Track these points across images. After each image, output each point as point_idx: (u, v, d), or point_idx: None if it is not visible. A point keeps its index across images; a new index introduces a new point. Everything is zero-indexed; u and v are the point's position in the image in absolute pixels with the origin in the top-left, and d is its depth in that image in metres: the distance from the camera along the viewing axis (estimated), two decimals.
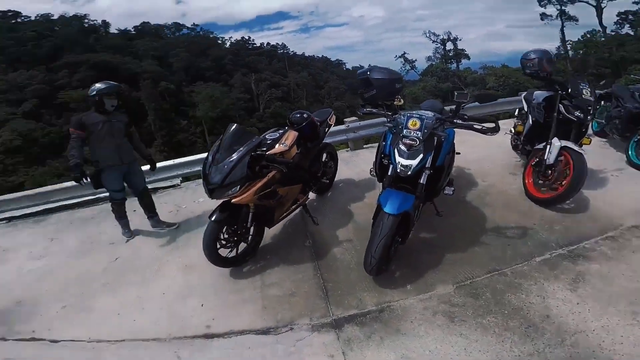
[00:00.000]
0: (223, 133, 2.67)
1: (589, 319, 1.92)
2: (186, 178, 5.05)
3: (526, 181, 3.32)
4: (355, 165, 4.72)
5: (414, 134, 2.32)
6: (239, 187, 2.47)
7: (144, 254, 3.32)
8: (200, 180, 4.97)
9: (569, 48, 31.76)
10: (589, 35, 30.13)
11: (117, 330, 2.42)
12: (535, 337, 1.86)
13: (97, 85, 3.29)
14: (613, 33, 30.13)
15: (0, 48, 45.33)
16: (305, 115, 3.29)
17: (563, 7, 32.30)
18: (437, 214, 2.92)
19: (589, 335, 1.82)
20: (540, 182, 3.18)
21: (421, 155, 2.33)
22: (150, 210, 3.64)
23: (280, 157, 2.70)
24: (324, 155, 3.74)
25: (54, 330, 2.55)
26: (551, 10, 33.18)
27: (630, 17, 29.27)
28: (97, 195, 4.61)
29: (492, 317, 2.03)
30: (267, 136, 2.97)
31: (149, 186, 3.96)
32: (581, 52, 29.74)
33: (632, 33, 29.27)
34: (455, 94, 2.52)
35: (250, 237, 2.84)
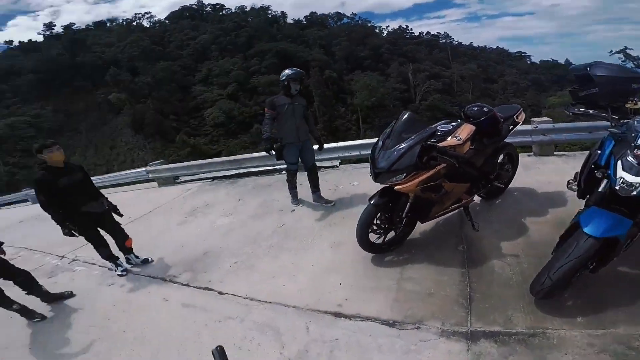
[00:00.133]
0: (396, 119, 2.66)
1: None
2: (345, 161, 5.41)
3: None
4: (538, 173, 3.92)
5: None
6: (404, 175, 2.43)
7: (304, 224, 3.73)
8: (357, 165, 5.41)
9: None
10: None
11: (269, 292, 2.68)
12: None
13: (286, 71, 3.83)
14: None
15: (212, 38, 59.34)
16: (485, 110, 2.94)
17: None
18: None
19: None
20: None
21: None
22: (315, 185, 4.09)
23: (452, 150, 2.48)
24: (502, 156, 3.24)
25: (224, 283, 2.92)
26: None
27: None
28: (275, 167, 5.55)
29: None
30: (439, 127, 2.78)
31: None
32: None
33: None
34: None
35: (400, 227, 2.79)
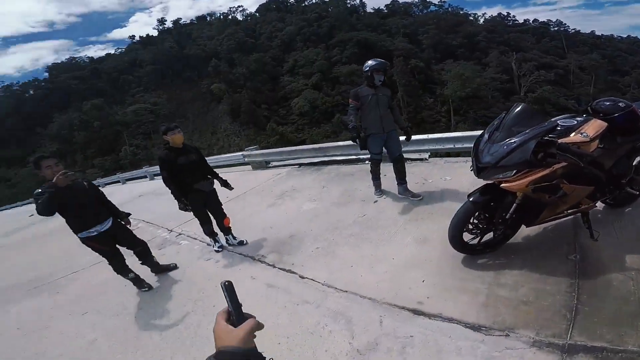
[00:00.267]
0: (506, 112, 2.40)
1: None
2: (434, 154, 5.16)
3: None
4: None
5: None
6: (514, 172, 2.20)
7: (386, 216, 3.67)
8: (450, 158, 5.08)
9: None
10: None
11: (346, 281, 2.68)
12: None
13: (370, 62, 3.80)
14: None
15: (297, 29, 61.24)
16: (621, 104, 2.47)
17: None
18: None
19: None
20: None
21: None
22: (401, 177, 3.98)
23: (576, 148, 2.16)
24: (639, 158, 2.70)
25: (305, 268, 2.99)
26: None
27: None
28: (358, 156, 5.60)
29: None
30: (559, 122, 2.44)
31: None
32: None
33: None
34: None
35: (501, 229, 2.53)
